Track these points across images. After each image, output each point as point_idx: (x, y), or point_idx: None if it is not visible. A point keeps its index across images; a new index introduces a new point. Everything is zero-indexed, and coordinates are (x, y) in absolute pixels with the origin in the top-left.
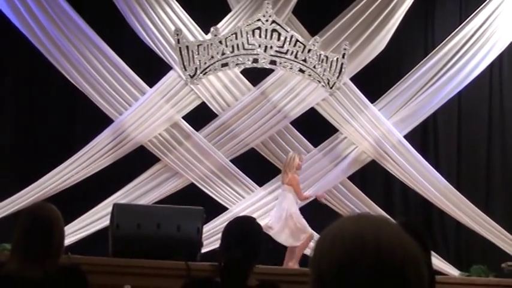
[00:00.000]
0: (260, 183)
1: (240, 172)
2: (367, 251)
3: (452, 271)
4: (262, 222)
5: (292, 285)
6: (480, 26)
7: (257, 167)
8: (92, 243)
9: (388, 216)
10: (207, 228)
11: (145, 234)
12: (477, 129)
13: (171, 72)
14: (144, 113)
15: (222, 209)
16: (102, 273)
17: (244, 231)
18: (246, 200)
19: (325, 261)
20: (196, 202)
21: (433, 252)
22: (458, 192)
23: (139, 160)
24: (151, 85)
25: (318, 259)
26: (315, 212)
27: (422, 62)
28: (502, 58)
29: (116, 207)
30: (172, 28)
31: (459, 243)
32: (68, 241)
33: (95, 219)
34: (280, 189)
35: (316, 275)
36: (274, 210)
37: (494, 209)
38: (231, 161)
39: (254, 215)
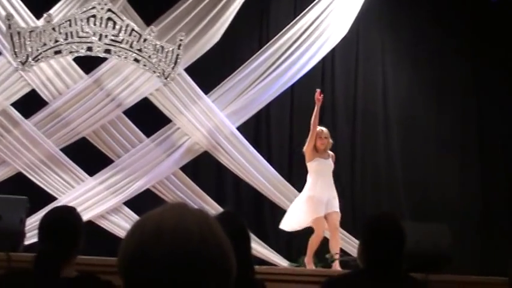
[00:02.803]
0: (91, 172)
1: (70, 161)
2: (161, 241)
3: (282, 262)
4: (92, 212)
5: None
6: (313, 21)
7: (88, 157)
8: None
9: (219, 208)
10: (35, 218)
11: None
12: (308, 123)
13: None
14: None
15: (52, 199)
16: None
17: (59, 221)
18: (76, 190)
19: (123, 251)
20: (25, 192)
21: (263, 243)
22: (289, 185)
23: None
24: None
25: (120, 249)
26: (149, 203)
27: (256, 54)
28: (334, 53)
29: None
30: (3, 13)
31: (290, 235)
32: None
33: None
34: None
35: (117, 265)
36: None
37: None
38: (62, 149)
39: (84, 205)
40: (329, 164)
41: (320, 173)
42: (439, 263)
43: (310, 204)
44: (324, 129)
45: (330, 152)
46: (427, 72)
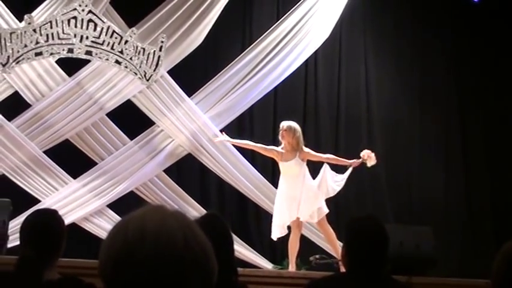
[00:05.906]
0: (74, 175)
1: (54, 164)
2: (145, 243)
3: (266, 264)
4: (76, 215)
5: None
6: (296, 24)
7: (71, 159)
8: None
9: (203, 210)
10: (18, 221)
11: None
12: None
13: None
14: None
15: (36, 201)
16: None
17: (40, 224)
18: (60, 193)
19: (106, 252)
20: (8, 194)
21: (246, 246)
22: (273, 187)
23: None
24: None
25: (102, 251)
26: (132, 205)
27: (239, 57)
28: (317, 56)
29: None
30: None
31: None
32: None
33: None
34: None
35: (99, 267)
36: None
37: None
38: (45, 152)
39: (68, 208)
40: (293, 165)
41: (284, 175)
42: (422, 266)
43: (284, 206)
44: (282, 123)
45: (306, 150)
46: (410, 74)
